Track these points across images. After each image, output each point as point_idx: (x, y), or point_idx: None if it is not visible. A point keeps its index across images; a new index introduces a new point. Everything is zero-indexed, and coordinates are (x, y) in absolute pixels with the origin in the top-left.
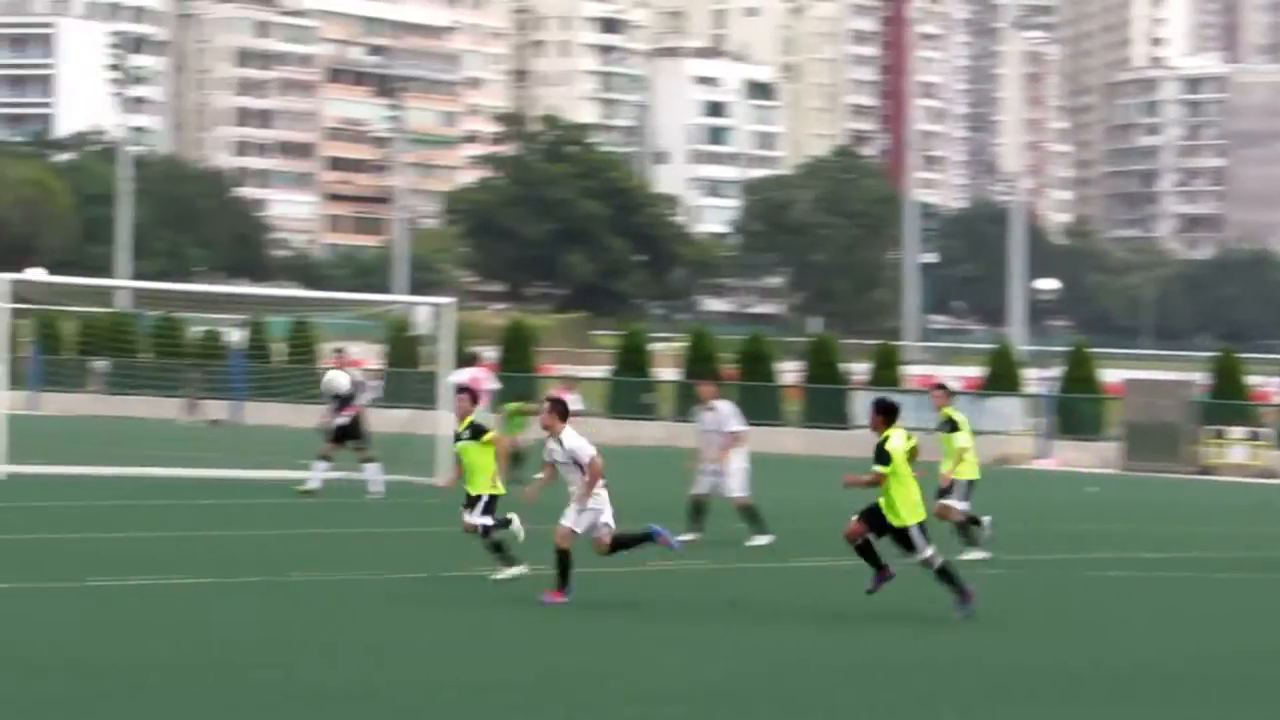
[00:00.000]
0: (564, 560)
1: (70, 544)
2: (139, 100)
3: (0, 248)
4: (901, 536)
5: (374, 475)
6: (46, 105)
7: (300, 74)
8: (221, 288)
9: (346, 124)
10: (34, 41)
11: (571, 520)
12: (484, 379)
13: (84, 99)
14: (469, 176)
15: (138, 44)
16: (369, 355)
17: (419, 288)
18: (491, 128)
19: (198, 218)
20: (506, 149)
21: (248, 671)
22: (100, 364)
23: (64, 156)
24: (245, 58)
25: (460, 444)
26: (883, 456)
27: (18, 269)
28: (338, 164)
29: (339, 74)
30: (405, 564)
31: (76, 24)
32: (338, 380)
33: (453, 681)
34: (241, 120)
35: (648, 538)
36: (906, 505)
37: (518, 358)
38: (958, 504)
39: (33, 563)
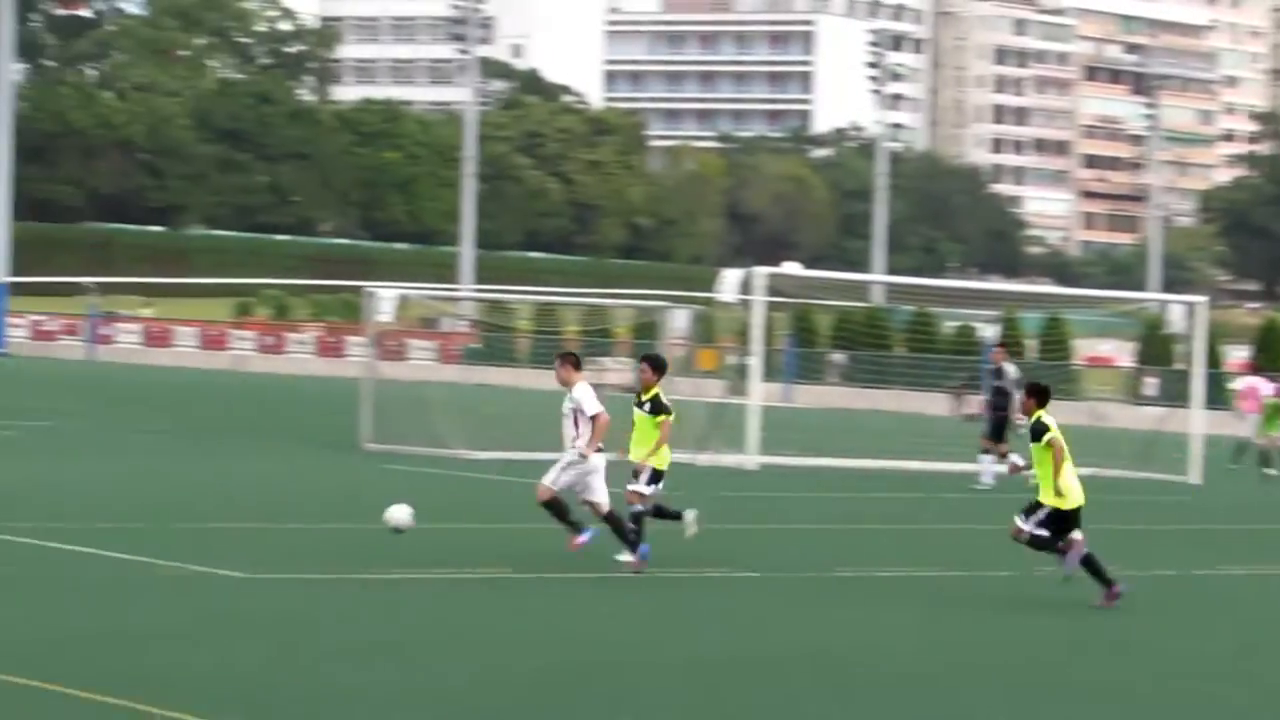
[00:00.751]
0: (556, 510)
1: (819, 535)
2: (896, 97)
3: (758, 242)
4: (1057, 516)
5: (988, 467)
6: (805, 102)
7: (1057, 72)
8: (974, 283)
9: (1102, 121)
10: (794, 39)
11: (551, 479)
12: (1261, 386)
13: (842, 96)
14: (1225, 175)
15: (896, 41)
16: (1121, 352)
17: (1172, 286)
18: (1248, 126)
19: (952, 214)
20: (1263, 148)
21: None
22: (838, 357)
23: (822, 152)
24: (1002, 55)
25: (637, 413)
26: (1038, 433)
27: (775, 263)
28: (1093, 161)
29: (1095, 71)
30: (1155, 561)
31: (836, 21)
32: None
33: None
34: (997, 117)
35: (633, 535)
36: (1063, 485)
37: (1272, 357)
38: None
39: (783, 551)
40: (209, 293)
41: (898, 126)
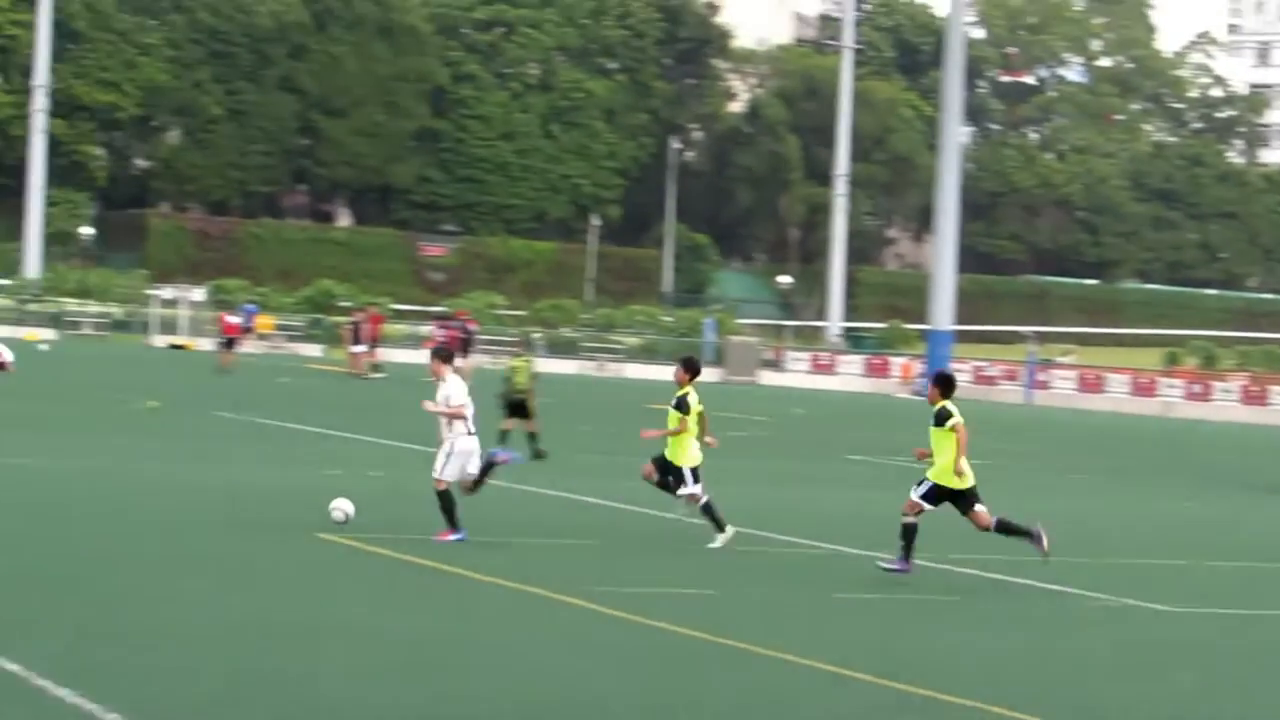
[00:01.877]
0: (445, 501)
1: None
2: None
3: None
4: (951, 494)
5: None
6: None
7: None
8: None
9: None
10: None
11: (439, 469)
12: None
13: None
14: None
15: None
16: None
17: None
18: None
19: None
20: None
21: None
22: None
23: None
24: None
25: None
26: (941, 420)
27: None
28: None
29: None
30: None
31: None
32: None
33: None
34: None
35: (491, 465)
36: (949, 469)
37: None
38: None
39: None
40: (1139, 342)
41: None
